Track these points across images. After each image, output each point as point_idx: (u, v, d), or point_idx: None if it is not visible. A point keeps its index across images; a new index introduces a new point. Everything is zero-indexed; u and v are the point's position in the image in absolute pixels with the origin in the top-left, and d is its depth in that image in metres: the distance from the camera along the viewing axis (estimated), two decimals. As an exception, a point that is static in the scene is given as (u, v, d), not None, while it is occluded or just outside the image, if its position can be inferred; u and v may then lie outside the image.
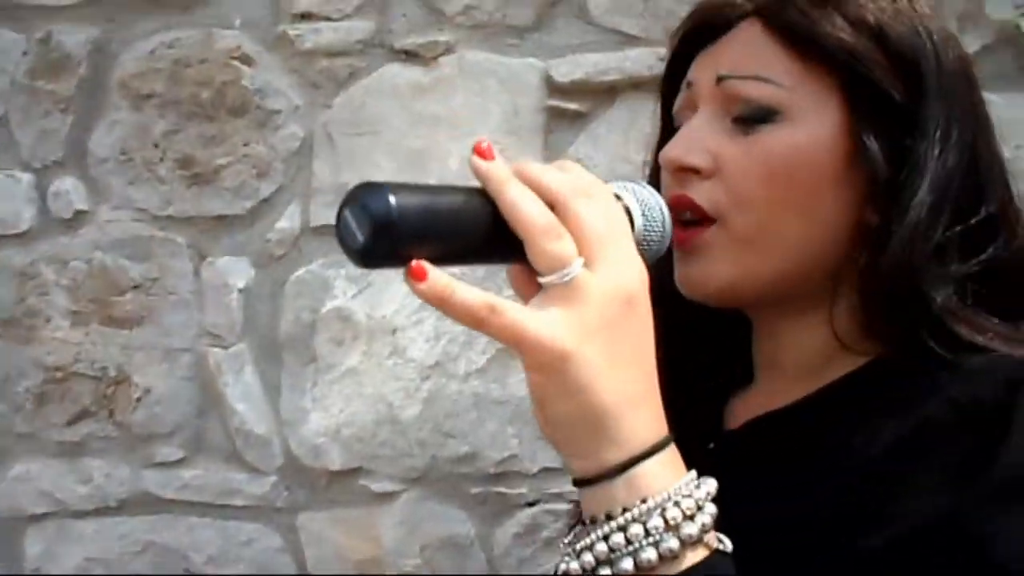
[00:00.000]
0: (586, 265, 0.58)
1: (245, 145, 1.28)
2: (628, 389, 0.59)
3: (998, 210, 0.76)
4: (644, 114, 1.28)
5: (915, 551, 0.64)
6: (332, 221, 1.22)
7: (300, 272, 1.31)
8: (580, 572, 0.58)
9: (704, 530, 0.58)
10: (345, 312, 1.30)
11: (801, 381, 0.79)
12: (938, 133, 0.74)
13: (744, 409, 0.84)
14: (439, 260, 0.57)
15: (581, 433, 0.59)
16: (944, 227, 0.73)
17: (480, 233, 0.59)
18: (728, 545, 0.61)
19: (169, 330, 1.31)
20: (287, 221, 1.30)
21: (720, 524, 0.60)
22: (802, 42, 0.75)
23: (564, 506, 1.32)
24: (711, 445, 0.81)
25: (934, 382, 0.69)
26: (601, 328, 0.58)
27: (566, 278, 0.57)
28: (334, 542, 1.32)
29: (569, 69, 1.28)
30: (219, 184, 1.29)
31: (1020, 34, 1.37)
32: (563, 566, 0.60)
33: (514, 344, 0.56)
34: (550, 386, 0.58)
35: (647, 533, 0.57)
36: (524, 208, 0.57)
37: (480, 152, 0.59)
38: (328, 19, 1.27)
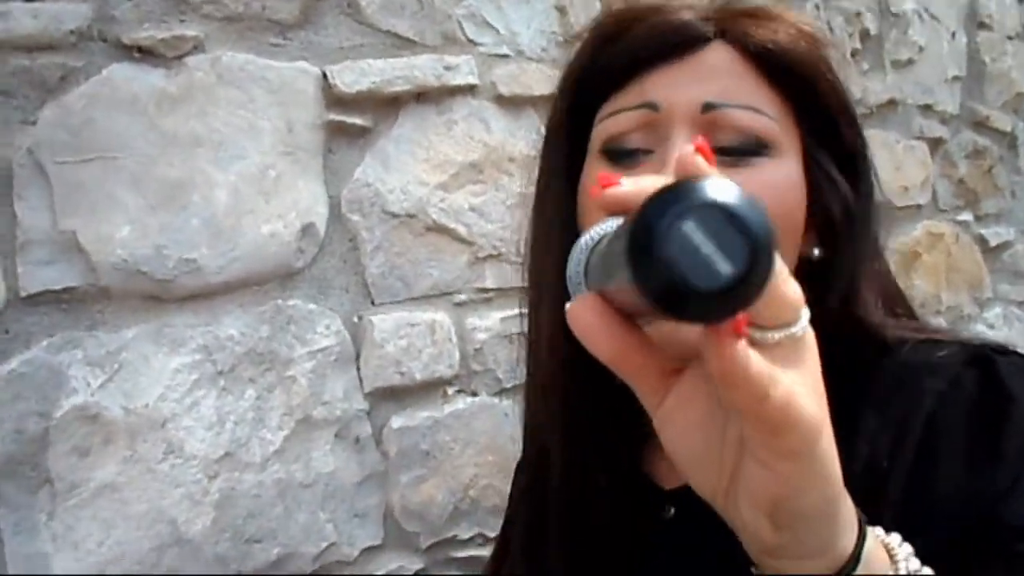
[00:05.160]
0: None
1: (-98, 185, 0.83)
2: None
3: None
4: (430, 130, 1.13)
5: (942, 524, 0.61)
6: (53, 285, 0.91)
7: (14, 364, 0.88)
8: None
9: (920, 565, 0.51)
10: (91, 409, 0.92)
11: None
12: (863, 155, 0.74)
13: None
14: None
15: (820, 525, 0.47)
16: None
17: None
18: None
19: None
20: (-15, 293, 0.88)
21: None
22: (776, 66, 0.70)
23: (390, 587, 1.13)
24: (671, 510, 0.71)
25: (898, 380, 0.68)
26: (819, 388, 0.45)
27: (799, 331, 0.44)
28: None
29: (354, 77, 1.06)
30: None
31: None
32: None
33: (778, 424, 0.43)
34: (804, 473, 0.45)
35: None
36: None
37: (702, 150, 0.43)
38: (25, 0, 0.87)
